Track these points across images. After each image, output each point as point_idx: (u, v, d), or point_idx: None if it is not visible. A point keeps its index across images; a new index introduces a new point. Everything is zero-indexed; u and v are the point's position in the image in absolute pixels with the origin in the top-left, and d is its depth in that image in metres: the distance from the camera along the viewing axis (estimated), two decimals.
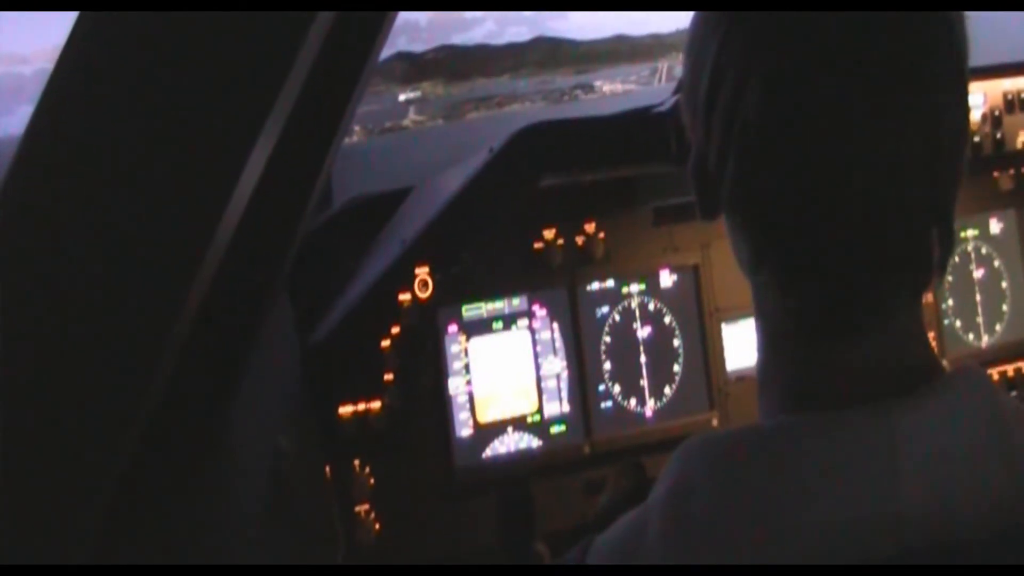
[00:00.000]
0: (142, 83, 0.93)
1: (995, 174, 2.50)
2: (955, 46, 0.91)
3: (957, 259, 2.52)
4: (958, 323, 2.52)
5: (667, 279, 2.30)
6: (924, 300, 0.95)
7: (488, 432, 2.17)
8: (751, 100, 0.89)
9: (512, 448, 2.18)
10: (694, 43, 0.97)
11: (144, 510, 1.13)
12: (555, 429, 2.21)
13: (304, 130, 1.18)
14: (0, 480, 0.94)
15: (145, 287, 0.95)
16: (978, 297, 2.55)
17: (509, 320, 2.19)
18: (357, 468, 2.00)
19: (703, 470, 0.92)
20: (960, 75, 0.92)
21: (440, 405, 2.13)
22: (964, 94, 0.93)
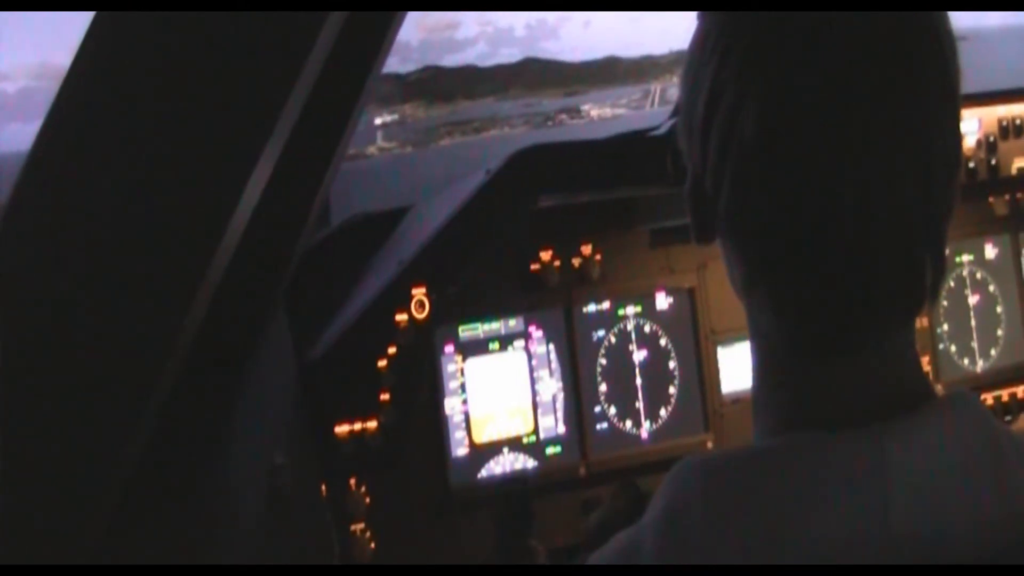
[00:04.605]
0: (154, 84, 0.94)
1: (990, 199, 2.55)
2: (946, 70, 0.93)
3: (952, 284, 2.55)
4: (953, 348, 2.54)
5: (663, 301, 2.33)
6: (919, 325, 0.96)
7: (484, 452, 2.20)
8: (747, 120, 0.91)
9: (507, 468, 2.21)
10: (691, 65, 0.99)
11: (142, 525, 1.14)
12: (551, 450, 2.24)
13: (306, 146, 1.19)
14: (7, 481, 0.95)
15: (146, 303, 0.96)
16: (973, 322, 2.58)
17: (506, 341, 2.22)
18: (353, 486, 2.02)
19: (697, 491, 0.94)
20: (952, 100, 0.94)
21: (436, 425, 2.15)
22: (956, 118, 0.95)
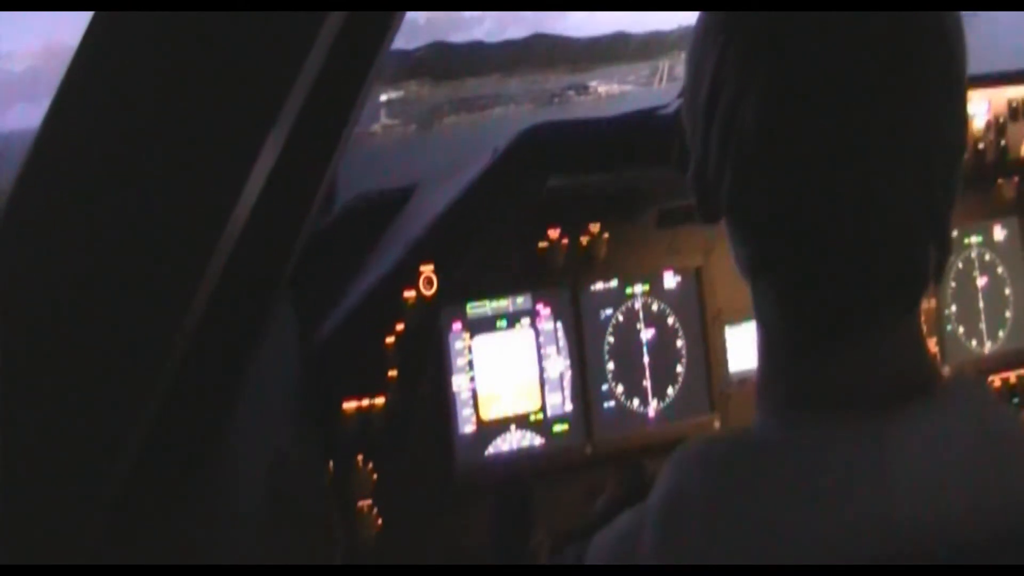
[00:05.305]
0: (154, 84, 0.94)
1: (999, 182, 2.54)
2: (951, 56, 0.93)
3: (960, 266, 2.55)
4: (961, 330, 2.54)
5: (670, 281, 2.34)
6: (927, 306, 0.96)
7: (490, 430, 2.20)
8: (748, 110, 0.91)
9: (514, 446, 2.21)
10: (695, 53, 0.99)
11: (147, 506, 1.14)
12: (557, 428, 2.24)
13: (312, 128, 1.19)
14: (5, 478, 0.95)
15: (152, 285, 0.96)
16: (981, 304, 2.58)
17: (513, 319, 2.22)
18: (360, 464, 2.03)
19: (697, 477, 0.94)
20: (957, 89, 0.94)
21: (443, 402, 2.16)
22: (962, 105, 0.95)
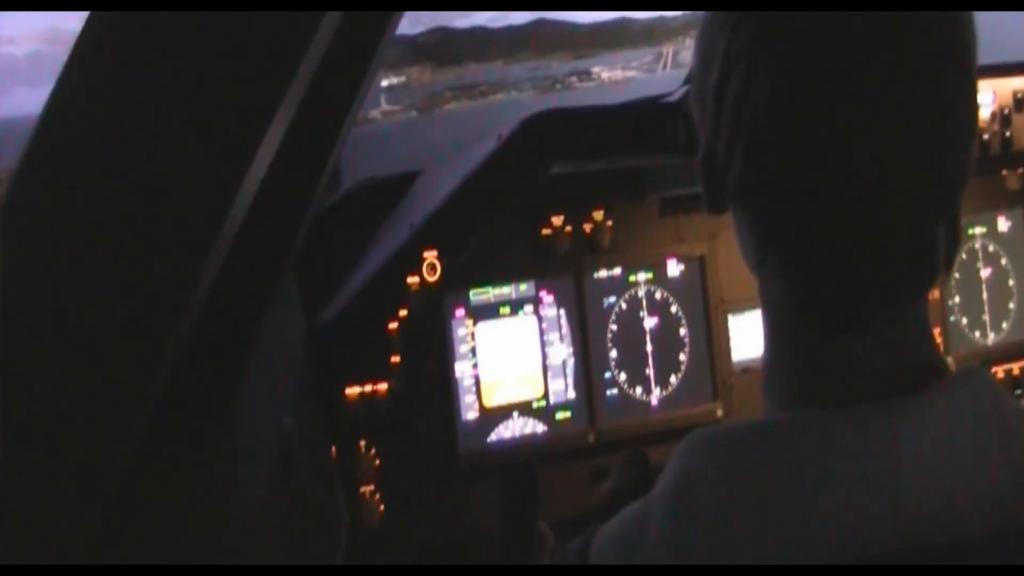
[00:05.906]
0: (156, 73, 0.94)
1: (1003, 172, 2.54)
2: (962, 43, 0.92)
3: (964, 257, 2.55)
4: (964, 321, 2.54)
5: (674, 269, 2.34)
6: (930, 297, 0.96)
7: (493, 416, 2.21)
8: (759, 93, 0.91)
9: (517, 433, 2.22)
10: (704, 35, 0.99)
11: (150, 491, 1.14)
12: (560, 415, 2.25)
13: (314, 117, 1.19)
14: (4, 477, 0.95)
15: (157, 269, 0.96)
16: (985, 295, 2.59)
17: (516, 305, 2.23)
18: (363, 449, 2.03)
19: (706, 464, 0.94)
20: (967, 73, 0.93)
21: (446, 388, 2.17)
22: (972, 92, 0.95)
